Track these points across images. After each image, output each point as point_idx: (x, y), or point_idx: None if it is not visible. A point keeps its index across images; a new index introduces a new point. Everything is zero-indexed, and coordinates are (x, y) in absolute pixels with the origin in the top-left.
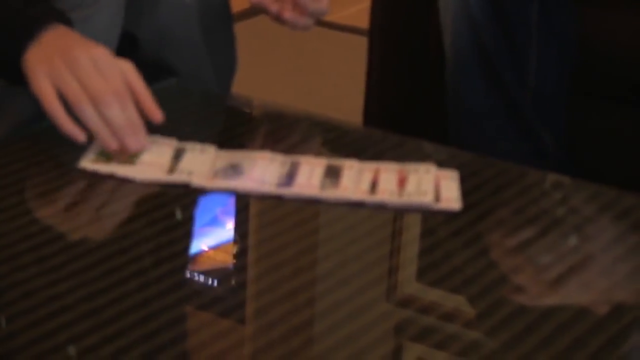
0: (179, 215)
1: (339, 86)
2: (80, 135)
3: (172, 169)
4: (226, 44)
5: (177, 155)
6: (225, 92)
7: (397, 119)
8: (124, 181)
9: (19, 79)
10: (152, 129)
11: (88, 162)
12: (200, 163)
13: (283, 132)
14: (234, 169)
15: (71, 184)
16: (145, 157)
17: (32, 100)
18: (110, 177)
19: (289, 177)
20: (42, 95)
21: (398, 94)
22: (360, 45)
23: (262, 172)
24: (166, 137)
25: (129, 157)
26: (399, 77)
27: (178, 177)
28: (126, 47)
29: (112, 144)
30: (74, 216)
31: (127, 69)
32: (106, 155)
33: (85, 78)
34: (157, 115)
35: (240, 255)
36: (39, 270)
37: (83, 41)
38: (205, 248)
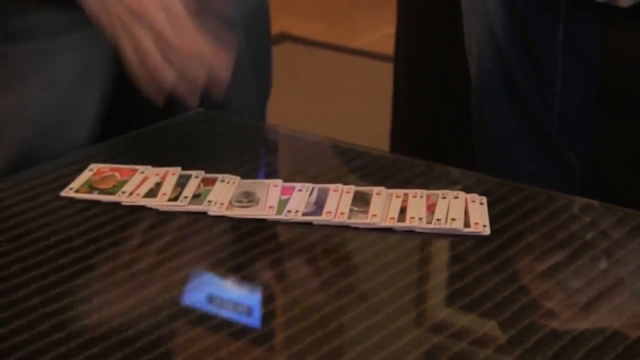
0: (206, 244)
1: (365, 112)
2: (160, 97)
3: (176, 197)
4: (265, 66)
5: (182, 184)
6: (260, 116)
7: (423, 144)
8: (137, 209)
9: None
10: (175, 158)
11: (70, 191)
12: (218, 192)
13: (310, 160)
14: (248, 197)
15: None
16: (128, 187)
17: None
18: (97, 203)
19: (318, 204)
20: (124, 55)
21: (424, 119)
22: (385, 71)
23: (275, 200)
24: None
25: (112, 186)
26: (424, 102)
27: (197, 206)
28: None
29: (194, 100)
30: (100, 249)
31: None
32: (89, 185)
33: (160, 32)
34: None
35: (269, 283)
36: (69, 303)
37: None
38: (233, 277)
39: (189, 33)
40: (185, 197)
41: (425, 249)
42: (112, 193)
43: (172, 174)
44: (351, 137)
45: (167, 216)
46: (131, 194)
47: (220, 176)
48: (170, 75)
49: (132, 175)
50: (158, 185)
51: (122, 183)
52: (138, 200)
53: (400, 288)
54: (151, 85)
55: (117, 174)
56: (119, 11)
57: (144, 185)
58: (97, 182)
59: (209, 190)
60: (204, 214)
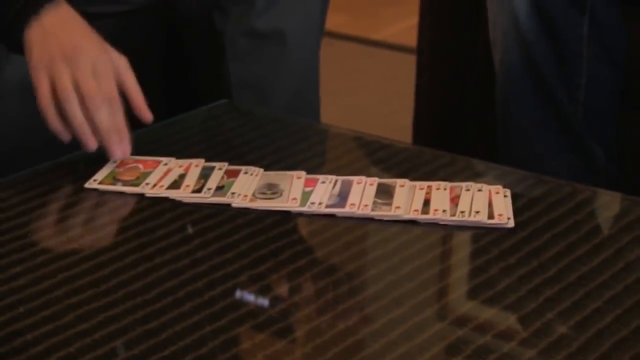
0: (230, 236)
1: (388, 105)
2: (64, 135)
3: (200, 189)
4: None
5: (205, 176)
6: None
7: (446, 136)
8: (161, 201)
9: (17, 49)
10: (198, 150)
11: (94, 183)
12: (241, 184)
13: (333, 152)
14: (272, 189)
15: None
16: (152, 179)
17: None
18: (121, 194)
19: (341, 196)
20: (37, 87)
21: (447, 111)
22: (408, 64)
23: (299, 192)
24: (190, 159)
25: (135, 178)
26: (447, 94)
27: (220, 198)
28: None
29: (92, 144)
30: (117, 236)
31: (122, 66)
32: (113, 176)
33: (80, 78)
34: (146, 115)
35: (293, 275)
36: (94, 294)
37: (84, 33)
38: (257, 269)
39: (107, 86)
40: (209, 189)
41: (448, 241)
42: (136, 185)
43: (196, 165)
44: (374, 129)
45: (191, 208)
46: (155, 185)
47: (243, 168)
48: (80, 118)
49: (156, 166)
50: (182, 176)
51: (146, 174)
52: (162, 192)
53: (423, 280)
54: (58, 122)
55: (140, 166)
56: (54, 49)
57: (167, 176)
58: (121, 173)
59: (233, 182)
60: (227, 205)
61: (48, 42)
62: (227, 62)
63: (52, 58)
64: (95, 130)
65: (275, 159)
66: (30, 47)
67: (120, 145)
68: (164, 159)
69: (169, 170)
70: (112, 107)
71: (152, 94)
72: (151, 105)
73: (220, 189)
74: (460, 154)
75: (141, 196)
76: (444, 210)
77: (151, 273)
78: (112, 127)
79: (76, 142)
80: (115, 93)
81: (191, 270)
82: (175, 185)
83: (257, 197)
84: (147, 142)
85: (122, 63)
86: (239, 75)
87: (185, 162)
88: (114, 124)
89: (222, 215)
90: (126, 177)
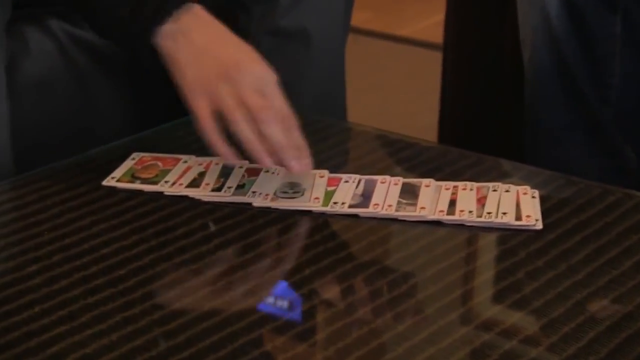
0: (250, 236)
1: (412, 102)
2: (233, 157)
3: (220, 188)
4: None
5: (225, 174)
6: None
7: (472, 135)
8: (180, 199)
9: (150, 60)
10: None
11: (112, 180)
12: (262, 183)
13: (357, 151)
14: (293, 188)
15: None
16: (171, 177)
17: None
18: (140, 192)
19: (365, 196)
20: (197, 110)
21: (473, 110)
22: (433, 60)
23: (321, 191)
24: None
25: (154, 176)
26: (473, 92)
27: (241, 197)
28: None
29: (267, 162)
30: (132, 235)
31: (274, 82)
32: (131, 174)
33: (246, 95)
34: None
35: (314, 277)
36: (111, 294)
37: (241, 46)
38: (278, 270)
39: (278, 101)
40: (229, 188)
41: (474, 243)
42: (155, 182)
43: (216, 163)
44: (398, 127)
45: (211, 207)
46: (174, 183)
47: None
48: (251, 135)
49: (175, 164)
50: (201, 175)
51: (165, 172)
52: (181, 190)
53: (449, 283)
54: (226, 146)
55: (159, 163)
56: (212, 68)
57: (186, 175)
58: (139, 171)
59: (253, 181)
60: (248, 204)
61: (204, 60)
62: None
63: (211, 77)
64: (270, 147)
65: None
66: (182, 67)
67: (298, 161)
68: (184, 157)
69: (188, 168)
70: (285, 122)
71: (174, 91)
72: (172, 103)
73: (240, 187)
74: (487, 154)
75: (160, 194)
76: (470, 211)
77: (170, 273)
78: (286, 141)
79: (98, 139)
80: (288, 110)
81: (211, 271)
82: (195, 183)
83: (278, 197)
84: (167, 139)
85: (275, 80)
86: None
87: (205, 160)
88: (290, 141)
89: (242, 214)
90: (145, 175)
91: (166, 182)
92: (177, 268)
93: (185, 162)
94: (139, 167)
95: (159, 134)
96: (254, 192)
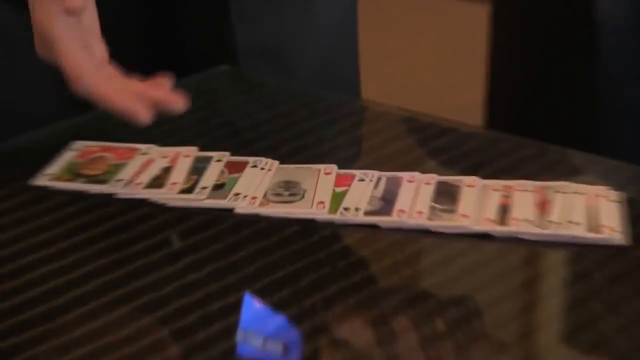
0: (232, 253)
1: (451, 74)
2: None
3: (191, 188)
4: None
5: (198, 170)
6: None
7: (529, 117)
8: (138, 204)
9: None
10: (190, 134)
11: (45, 178)
12: (248, 181)
13: (375, 138)
14: (290, 189)
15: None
16: (125, 174)
17: None
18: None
19: (386, 199)
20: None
21: (530, 84)
22: (478, 17)
23: (327, 193)
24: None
25: (103, 172)
26: (531, 59)
27: (219, 201)
28: None
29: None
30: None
31: None
32: (71, 170)
33: None
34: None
35: (320, 309)
36: (43, 331)
37: None
38: (269, 301)
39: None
40: (204, 188)
41: (534, 262)
42: (103, 181)
43: (186, 155)
44: (430, 106)
45: (179, 214)
46: (129, 183)
47: (251, 159)
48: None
49: (131, 157)
50: (166, 170)
51: (117, 167)
52: (138, 192)
53: (501, 317)
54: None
55: (109, 155)
56: None
57: (147, 170)
58: (82, 166)
59: (236, 179)
60: (229, 211)
61: None
62: (231, 21)
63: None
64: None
65: (296, 147)
66: None
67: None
68: (143, 147)
69: (149, 162)
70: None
71: (132, 62)
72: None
73: (219, 187)
74: (548, 141)
75: (110, 197)
76: (528, 220)
77: (123, 304)
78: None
79: (26, 122)
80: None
81: (179, 301)
82: (158, 182)
83: (269, 200)
84: (119, 122)
85: None
86: (248, 38)
87: (171, 151)
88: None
89: (221, 224)
90: (90, 171)
91: (119, 180)
92: (132, 298)
93: (145, 153)
94: (82, 160)
95: (107, 115)
96: (236, 194)
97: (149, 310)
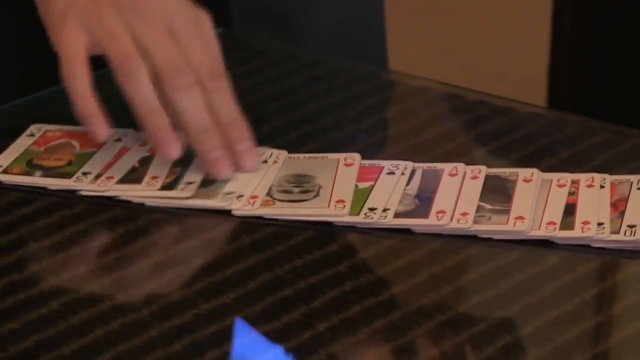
0: (228, 266)
1: (506, 41)
2: (104, 131)
3: (175, 184)
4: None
5: (183, 162)
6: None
7: (601, 94)
8: (108, 205)
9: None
10: None
11: None
12: (248, 176)
13: (409, 120)
14: (301, 184)
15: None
16: (93, 165)
17: None
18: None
19: (422, 198)
20: (65, 50)
21: (602, 56)
22: None
23: (348, 189)
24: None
25: (66, 163)
26: (602, 29)
27: (209, 201)
28: None
29: (175, 149)
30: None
31: (206, 24)
32: (27, 160)
33: (151, 38)
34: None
35: (337, 332)
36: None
37: None
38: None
39: (199, 54)
40: (189, 184)
41: (609, 277)
42: (67, 175)
43: None
44: (478, 80)
45: (161, 216)
46: (98, 177)
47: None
48: (154, 102)
49: (101, 144)
50: (144, 162)
51: (84, 157)
52: (110, 189)
53: (567, 343)
54: (96, 105)
55: (74, 142)
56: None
57: (120, 161)
58: (41, 155)
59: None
60: (224, 213)
61: None
62: None
63: (95, 2)
64: (182, 124)
65: (308, 133)
66: None
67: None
68: (116, 131)
69: (123, 151)
70: (212, 87)
71: None
72: None
73: (208, 184)
74: (626, 123)
75: (73, 195)
76: (599, 224)
77: (94, 327)
78: (212, 123)
79: None
80: (219, 65)
81: (160, 324)
82: (134, 177)
83: (275, 199)
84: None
85: (205, 20)
86: None
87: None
88: (223, 114)
89: (214, 229)
90: (50, 162)
91: (85, 174)
92: (103, 320)
93: (119, 140)
94: (41, 148)
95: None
96: (228, 193)
97: (125, 336)
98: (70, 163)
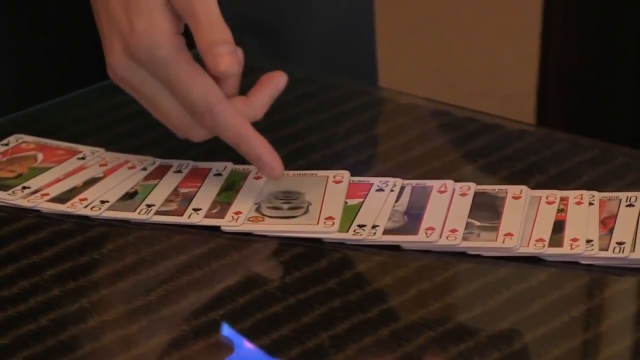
0: (212, 284)
1: (492, 55)
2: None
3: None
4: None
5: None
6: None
7: (590, 111)
8: (19, 216)
9: None
10: (154, 136)
11: None
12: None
13: (397, 137)
14: (290, 200)
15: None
16: (39, 180)
17: None
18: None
19: (411, 214)
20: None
21: (592, 72)
22: None
23: (337, 206)
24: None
25: (16, 175)
26: (591, 45)
27: (181, 217)
28: None
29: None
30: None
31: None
32: None
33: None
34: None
35: (327, 350)
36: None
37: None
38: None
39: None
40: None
41: (598, 294)
42: (6, 187)
43: (131, 167)
44: (467, 97)
45: (148, 233)
46: (36, 191)
47: (219, 165)
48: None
49: (66, 159)
50: (90, 182)
51: (37, 171)
52: (37, 204)
53: (557, 358)
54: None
55: (41, 156)
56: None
57: (69, 179)
58: (1, 164)
59: (153, 187)
60: (214, 229)
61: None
62: None
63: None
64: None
65: (296, 149)
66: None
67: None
68: (85, 149)
69: (78, 170)
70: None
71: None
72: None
73: (131, 196)
74: (615, 141)
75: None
76: (588, 241)
77: (79, 345)
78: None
79: None
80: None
81: (148, 340)
82: (69, 195)
83: (265, 215)
84: (77, 113)
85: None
86: (233, 8)
87: (117, 158)
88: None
89: (203, 245)
90: (3, 173)
91: (25, 188)
92: (89, 338)
93: (82, 157)
94: (5, 157)
95: (61, 105)
96: (149, 205)
97: (113, 352)
98: (19, 176)
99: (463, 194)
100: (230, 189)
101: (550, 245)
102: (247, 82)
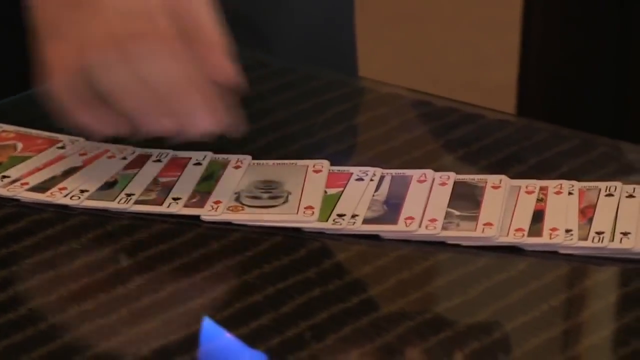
0: (192, 272)
1: (476, 49)
2: (100, 124)
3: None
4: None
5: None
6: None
7: (570, 102)
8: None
9: None
10: None
11: None
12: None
13: (378, 127)
14: (269, 190)
15: None
16: (18, 169)
17: None
18: None
19: (391, 204)
20: (53, 62)
21: (572, 63)
22: None
23: (317, 195)
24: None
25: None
26: (572, 37)
27: (160, 207)
28: None
29: (153, 122)
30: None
31: None
32: None
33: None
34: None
35: (307, 340)
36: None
37: None
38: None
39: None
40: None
41: (576, 283)
42: None
43: (110, 156)
44: (447, 88)
45: (127, 223)
46: (15, 181)
47: (198, 155)
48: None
49: (45, 149)
50: (70, 172)
51: (17, 160)
52: (18, 193)
53: (535, 349)
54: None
55: (19, 145)
56: None
57: (49, 168)
58: None
59: (132, 176)
60: (193, 219)
61: None
62: None
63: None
64: (148, 91)
65: (276, 139)
66: None
67: (204, 113)
68: (66, 138)
69: (57, 159)
70: (171, 50)
71: None
72: None
73: (110, 186)
74: (595, 131)
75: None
76: (568, 231)
77: (58, 335)
78: (179, 81)
79: None
80: (170, 28)
81: (128, 330)
82: (48, 184)
83: (244, 204)
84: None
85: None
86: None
87: (97, 148)
88: (182, 76)
89: (182, 234)
90: None
91: (4, 177)
92: (68, 328)
93: (62, 147)
94: None
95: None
96: (129, 194)
97: (93, 342)
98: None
99: (443, 184)
100: (210, 178)
101: (530, 234)
102: None
